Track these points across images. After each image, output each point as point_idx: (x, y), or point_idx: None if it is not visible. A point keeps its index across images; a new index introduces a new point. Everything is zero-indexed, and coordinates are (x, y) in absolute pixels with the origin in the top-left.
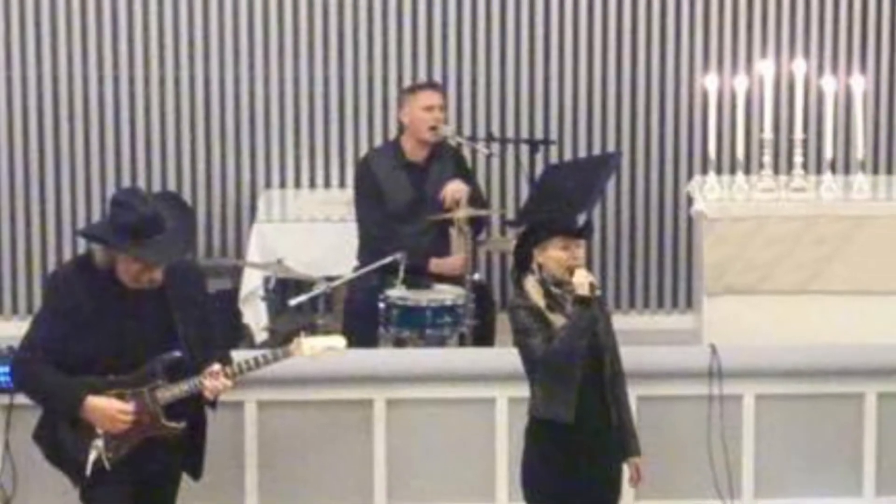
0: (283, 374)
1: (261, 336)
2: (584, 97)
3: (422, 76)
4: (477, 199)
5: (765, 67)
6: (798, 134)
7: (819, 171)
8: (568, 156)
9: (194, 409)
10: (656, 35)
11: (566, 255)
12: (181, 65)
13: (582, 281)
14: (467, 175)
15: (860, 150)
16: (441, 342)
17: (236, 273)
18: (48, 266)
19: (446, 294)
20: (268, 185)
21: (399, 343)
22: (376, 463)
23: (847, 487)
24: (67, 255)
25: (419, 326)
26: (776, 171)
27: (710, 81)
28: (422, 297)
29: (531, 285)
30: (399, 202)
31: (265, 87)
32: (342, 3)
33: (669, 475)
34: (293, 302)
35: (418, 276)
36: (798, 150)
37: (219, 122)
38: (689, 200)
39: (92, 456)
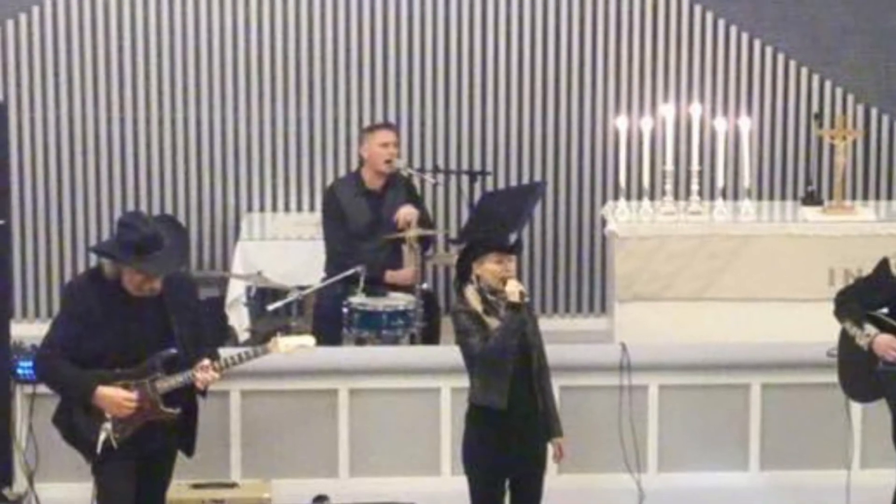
0: (263, 367)
1: (243, 336)
2: (515, 135)
3: (378, 118)
4: (425, 221)
5: (666, 110)
6: (694, 166)
7: (712, 197)
8: (501, 185)
9: (188, 397)
10: (575, 83)
11: (500, 267)
12: (177, 108)
13: (513, 289)
14: (417, 201)
15: (747, 179)
16: (395, 341)
17: (223, 283)
18: (65, 277)
19: (399, 301)
20: (249, 208)
21: (360, 342)
22: (340, 442)
23: (736, 463)
24: (81, 268)
25: (376, 328)
26: (676, 197)
27: (621, 122)
28: (379, 304)
29: (470, 293)
30: (359, 223)
31: (247, 127)
32: (312, 57)
33: (587, 453)
34: (271, 307)
35: (376, 286)
36: (694, 180)
37: (208, 155)
38: (603, 222)
39: (102, 436)
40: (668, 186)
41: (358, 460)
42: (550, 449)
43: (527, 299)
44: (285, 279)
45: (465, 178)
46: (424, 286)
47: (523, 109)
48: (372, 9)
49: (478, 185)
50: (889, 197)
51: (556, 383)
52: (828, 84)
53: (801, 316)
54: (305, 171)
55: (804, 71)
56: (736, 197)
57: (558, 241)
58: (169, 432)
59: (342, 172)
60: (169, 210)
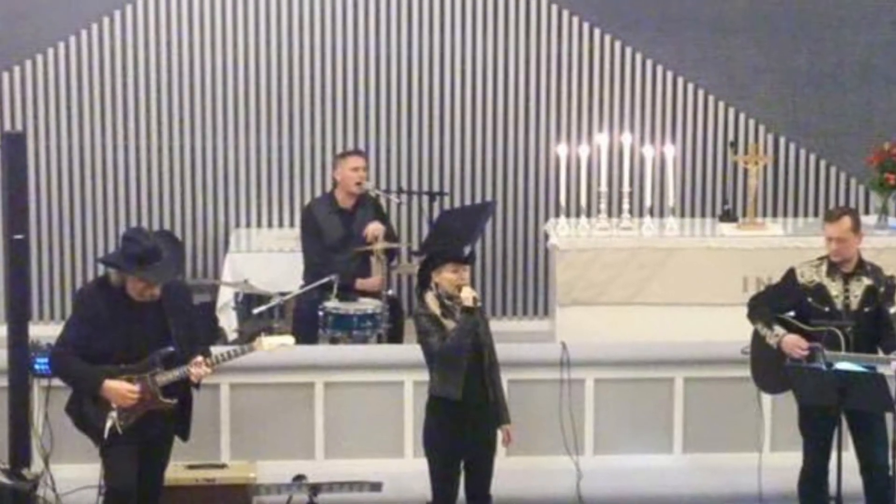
0: (249, 363)
1: (232, 336)
2: (469, 160)
3: (350, 145)
4: (390, 236)
5: (601, 139)
6: (625, 187)
7: (641, 214)
8: (457, 203)
9: (183, 389)
10: (521, 114)
11: (456, 276)
12: (174, 137)
13: (467, 295)
14: (383, 217)
15: (671, 199)
16: (364, 341)
17: (214, 290)
18: (76, 284)
19: (368, 305)
20: (237, 224)
21: (333, 341)
22: (317, 429)
23: (661, 446)
24: (90, 277)
25: (348, 329)
26: (609, 214)
27: (561, 149)
28: (350, 308)
29: (430, 299)
30: (333, 238)
31: (235, 153)
32: (291, 92)
33: (531, 438)
34: (256, 311)
35: (347, 292)
36: (625, 200)
37: (201, 178)
38: (546, 236)
39: (108, 424)
40: (603, 205)
41: (332, 444)
42: (500, 434)
43: (479, 304)
44: (269, 286)
45: (425, 198)
46: (390, 292)
47: (476, 137)
48: (344, 50)
49: (436, 204)
50: (795, 214)
51: (505, 377)
52: (742, 116)
53: (718, 318)
54: (286, 191)
55: (721, 105)
56: (662, 214)
57: (507, 252)
58: (167, 420)
59: (318, 193)
60: (167, 226)
